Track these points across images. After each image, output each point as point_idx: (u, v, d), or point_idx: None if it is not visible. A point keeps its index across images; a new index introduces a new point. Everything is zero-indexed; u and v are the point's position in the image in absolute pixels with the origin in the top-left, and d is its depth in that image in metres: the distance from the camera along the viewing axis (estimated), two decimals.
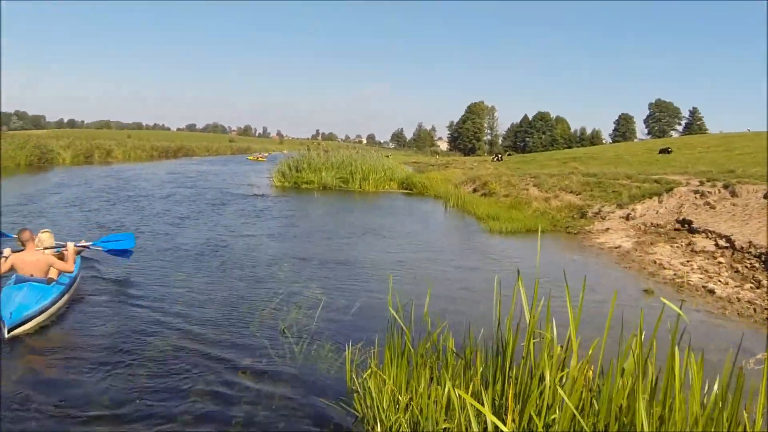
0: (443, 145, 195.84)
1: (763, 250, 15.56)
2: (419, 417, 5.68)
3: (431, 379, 6.28)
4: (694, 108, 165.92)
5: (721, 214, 20.01)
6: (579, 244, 20.37)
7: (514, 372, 5.38)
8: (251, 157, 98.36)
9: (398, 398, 6.16)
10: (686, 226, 20.13)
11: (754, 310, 12.51)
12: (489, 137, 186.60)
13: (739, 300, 13.17)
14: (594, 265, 16.94)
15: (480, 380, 5.74)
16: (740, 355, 5.20)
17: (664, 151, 58.70)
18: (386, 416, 6.06)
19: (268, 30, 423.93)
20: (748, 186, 21.28)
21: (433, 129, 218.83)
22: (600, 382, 5.34)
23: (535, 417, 4.67)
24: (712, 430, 4.48)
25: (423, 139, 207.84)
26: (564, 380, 4.86)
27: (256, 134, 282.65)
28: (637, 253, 18.34)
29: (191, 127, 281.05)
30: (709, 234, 18.49)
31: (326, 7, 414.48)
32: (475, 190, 36.55)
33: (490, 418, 4.22)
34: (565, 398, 4.45)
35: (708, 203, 21.21)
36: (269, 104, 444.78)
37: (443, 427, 5.35)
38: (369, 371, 7.18)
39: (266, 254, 16.49)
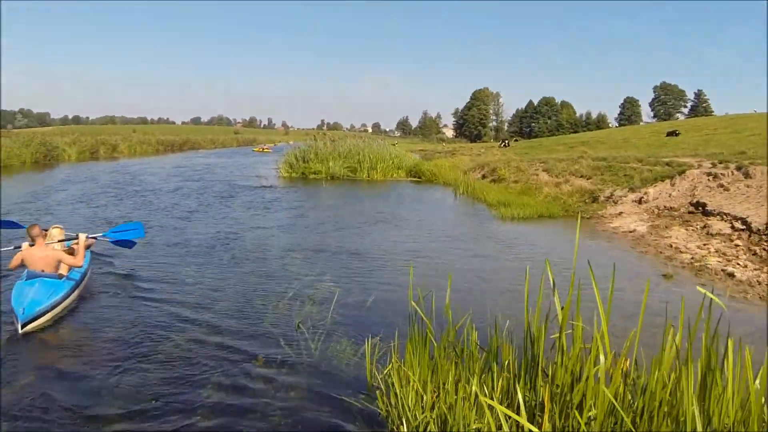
0: (449, 133, 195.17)
1: None
2: (447, 416, 5.42)
3: (457, 374, 6.00)
4: (699, 90, 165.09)
5: (736, 196, 19.70)
6: (592, 229, 20.08)
7: (550, 371, 5.08)
8: (256, 149, 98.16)
9: (423, 396, 5.90)
10: (700, 208, 19.84)
11: None
12: (495, 123, 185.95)
13: (759, 283, 12.88)
14: (609, 250, 16.68)
15: (510, 376, 5.49)
16: None
17: (672, 133, 58.21)
18: (412, 415, 5.80)
19: (271, 20, 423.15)
20: (762, 167, 20.94)
21: (439, 116, 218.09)
22: (635, 374, 5.11)
23: (578, 416, 4.43)
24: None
25: (428, 127, 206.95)
26: (600, 375, 4.60)
27: (261, 126, 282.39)
28: (652, 237, 18.07)
29: (196, 121, 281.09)
30: (725, 216, 18.21)
31: None
32: (484, 177, 36.24)
33: (527, 427, 3.96)
34: (610, 397, 4.20)
35: (721, 185, 20.90)
36: (274, 95, 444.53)
37: (475, 427, 5.08)
38: (390, 366, 6.97)
39: (277, 246, 16.30)
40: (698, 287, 4.80)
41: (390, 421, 6.20)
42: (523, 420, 3.97)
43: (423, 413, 5.71)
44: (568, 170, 29.77)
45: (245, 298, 11.18)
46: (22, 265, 10.43)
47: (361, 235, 18.73)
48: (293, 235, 18.45)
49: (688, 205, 20.67)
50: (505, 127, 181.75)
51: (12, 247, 11.46)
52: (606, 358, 4.50)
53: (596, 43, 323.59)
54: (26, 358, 8.24)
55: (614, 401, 4.20)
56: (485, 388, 5.41)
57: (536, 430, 3.97)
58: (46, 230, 11.52)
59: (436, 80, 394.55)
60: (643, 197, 22.78)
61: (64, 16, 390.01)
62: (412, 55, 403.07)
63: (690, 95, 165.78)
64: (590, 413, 4.50)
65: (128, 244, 13.34)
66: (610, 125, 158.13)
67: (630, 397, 4.69)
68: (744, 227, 16.81)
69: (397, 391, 6.16)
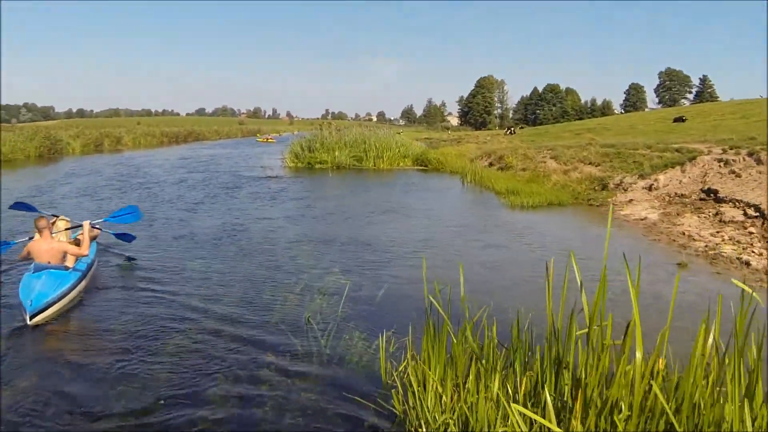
0: (453, 121, 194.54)
1: None
2: (469, 417, 5.16)
3: (478, 373, 5.72)
4: (704, 76, 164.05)
5: (748, 183, 19.41)
6: (603, 217, 19.82)
7: (584, 371, 4.81)
8: (260, 139, 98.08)
9: (442, 396, 5.62)
10: (712, 195, 19.57)
11: None
12: (499, 111, 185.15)
13: None
14: (621, 238, 16.41)
15: (534, 375, 5.23)
16: None
17: (679, 119, 57.80)
18: (432, 417, 5.52)
19: (274, 10, 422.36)
20: None
21: (443, 104, 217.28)
22: (664, 372, 4.86)
23: (618, 421, 4.18)
24: None
25: (433, 115, 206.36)
26: (635, 374, 4.34)
27: (266, 116, 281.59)
28: (664, 224, 17.83)
29: (200, 112, 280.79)
30: (737, 203, 17.93)
31: None
32: (491, 165, 35.96)
33: (555, 431, 3.72)
34: (662, 400, 3.95)
35: (733, 171, 20.60)
36: (277, 86, 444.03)
37: (500, 431, 4.83)
38: (404, 362, 6.76)
39: (285, 238, 16.09)
40: (734, 280, 4.53)
41: (408, 422, 5.90)
42: (552, 425, 3.74)
43: (443, 415, 5.46)
44: (577, 157, 29.49)
45: (253, 291, 10.99)
46: (29, 257, 10.55)
47: (370, 225, 18.53)
48: (301, 225, 18.24)
49: (699, 191, 20.39)
50: (510, 115, 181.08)
51: (27, 238, 11.50)
52: (642, 356, 4.25)
53: (601, 29, 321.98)
54: (32, 353, 8.22)
55: (665, 404, 3.93)
56: (508, 388, 5.15)
57: None
58: (56, 217, 12.04)
59: (440, 68, 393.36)
60: (653, 184, 22.51)
61: (66, 8, 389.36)
62: (416, 44, 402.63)
63: (695, 81, 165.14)
64: (622, 415, 4.27)
65: (127, 237, 13.70)
66: (615, 112, 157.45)
67: (665, 398, 4.43)
68: (757, 214, 16.54)
69: (415, 390, 5.88)
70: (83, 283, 10.90)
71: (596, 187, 24.48)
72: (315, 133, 43.94)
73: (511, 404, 4.10)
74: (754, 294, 4.16)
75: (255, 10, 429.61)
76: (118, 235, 13.74)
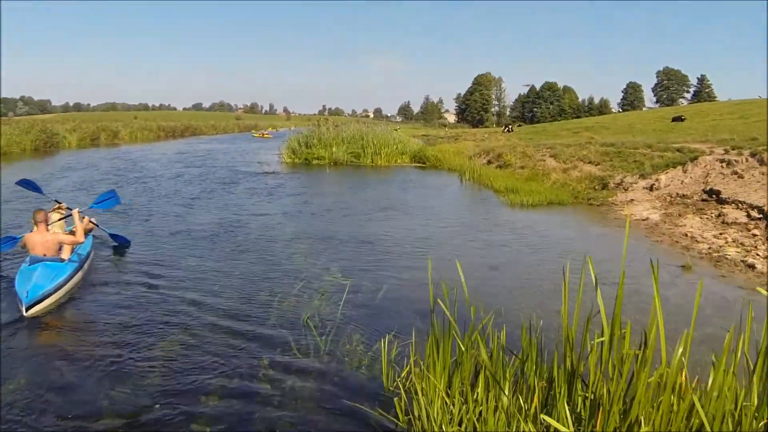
0: (451, 118, 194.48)
1: None
2: (478, 430, 4.92)
3: (487, 382, 5.46)
4: (702, 75, 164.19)
5: (751, 184, 19.23)
6: (603, 217, 19.67)
7: (597, 387, 4.58)
8: (256, 134, 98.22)
9: (450, 406, 5.34)
10: (714, 196, 19.39)
11: None
12: (497, 109, 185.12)
13: None
14: (622, 238, 16.17)
15: (546, 385, 4.99)
16: None
17: (677, 119, 57.71)
18: (439, 428, 5.25)
19: (270, 5, 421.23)
20: None
21: (441, 101, 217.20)
22: (681, 380, 4.64)
23: None
24: None
25: (430, 112, 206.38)
26: (667, 386, 4.13)
27: (263, 111, 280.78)
28: (666, 225, 17.62)
29: (197, 107, 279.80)
30: (740, 204, 17.75)
31: None
32: (489, 162, 35.78)
33: None
34: (702, 414, 3.73)
35: (735, 172, 20.42)
36: (274, 81, 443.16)
37: None
38: (407, 368, 6.54)
39: (283, 234, 15.86)
40: (759, 288, 4.31)
41: None
42: None
43: (451, 426, 5.19)
44: (576, 156, 29.35)
45: (250, 290, 10.73)
46: (25, 250, 10.78)
47: (369, 222, 18.29)
48: (299, 222, 17.99)
49: (701, 192, 20.22)
50: (507, 113, 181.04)
51: (29, 232, 11.48)
52: (669, 369, 4.04)
53: (598, 28, 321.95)
54: (27, 347, 8.13)
55: (706, 423, 3.70)
56: (520, 399, 4.92)
57: None
58: (58, 203, 12.66)
59: (437, 65, 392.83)
60: (654, 184, 22.34)
61: (65, 6, 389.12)
62: (414, 41, 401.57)
63: (693, 80, 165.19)
64: (644, 429, 4.06)
65: (121, 239, 14.11)
66: (612, 110, 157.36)
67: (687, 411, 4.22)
68: (761, 216, 16.37)
69: (420, 399, 5.59)
70: (79, 275, 10.95)
71: (596, 187, 24.30)
72: (312, 128, 43.76)
73: (526, 420, 3.86)
74: None
75: (255, 8, 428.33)
76: (114, 236, 14.05)
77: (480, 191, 26.72)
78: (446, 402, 5.35)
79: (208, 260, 12.91)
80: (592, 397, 4.50)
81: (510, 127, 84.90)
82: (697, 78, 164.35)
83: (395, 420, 5.95)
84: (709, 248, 14.73)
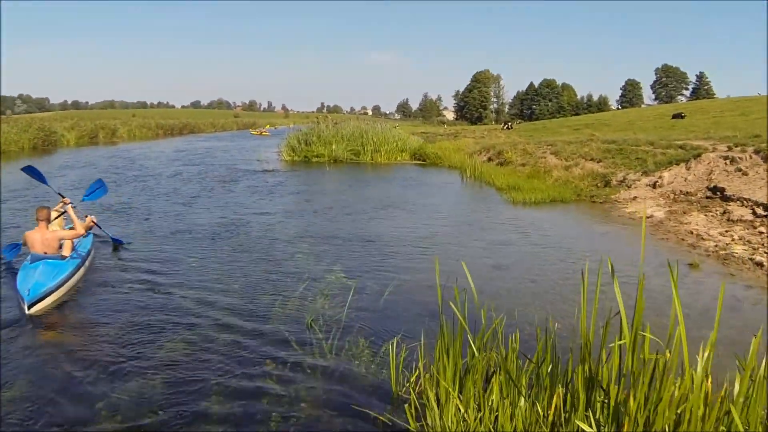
0: (449, 115, 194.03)
1: None
2: None
3: (501, 388, 5.25)
4: (701, 72, 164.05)
5: (755, 181, 19.05)
6: (607, 215, 19.50)
7: (617, 393, 4.38)
8: (254, 132, 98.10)
9: (464, 413, 5.12)
10: (718, 193, 19.23)
11: None
12: (495, 106, 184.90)
13: None
14: (628, 237, 16.09)
15: (564, 391, 4.78)
16: None
17: (678, 116, 57.57)
18: None
19: (272, 5, 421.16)
20: None
21: (439, 99, 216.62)
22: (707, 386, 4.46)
23: None
24: None
25: (429, 109, 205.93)
26: (700, 394, 3.94)
27: (261, 109, 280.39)
28: (671, 223, 17.44)
29: (196, 104, 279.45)
30: (745, 202, 17.60)
31: None
32: (490, 160, 35.56)
33: None
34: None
35: (740, 169, 20.25)
36: (273, 78, 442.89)
37: None
38: (416, 373, 6.35)
39: (284, 234, 15.66)
40: None
41: None
42: None
43: None
44: (578, 153, 29.15)
45: (252, 291, 10.54)
46: (26, 248, 10.89)
47: (371, 221, 18.09)
48: (300, 221, 17.80)
49: (705, 189, 20.06)
50: (506, 110, 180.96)
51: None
52: (694, 376, 3.86)
53: (596, 25, 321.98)
54: (28, 348, 7.99)
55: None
56: (537, 407, 4.72)
57: None
58: (62, 198, 12.55)
59: (436, 62, 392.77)
60: (657, 181, 22.17)
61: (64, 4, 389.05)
62: (412, 38, 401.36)
63: (692, 77, 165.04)
64: None
65: (119, 241, 14.00)
66: (611, 108, 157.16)
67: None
68: (766, 213, 16.21)
69: (433, 405, 5.39)
70: (80, 273, 11.00)
71: (599, 184, 24.13)
72: (312, 126, 43.56)
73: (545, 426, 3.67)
74: None
75: (253, 6, 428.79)
76: (115, 240, 14.00)
77: (481, 189, 26.56)
78: (459, 408, 5.15)
79: (209, 260, 12.75)
80: (613, 404, 4.31)
81: (509, 124, 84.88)
82: (696, 75, 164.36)
83: (406, 426, 5.71)
84: (716, 246, 14.56)
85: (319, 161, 38.88)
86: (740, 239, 14.93)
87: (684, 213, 18.35)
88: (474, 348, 5.66)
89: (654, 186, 22.00)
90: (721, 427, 4.00)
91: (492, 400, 5.03)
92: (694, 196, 20.04)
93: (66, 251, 10.92)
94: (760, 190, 17.98)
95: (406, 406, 5.90)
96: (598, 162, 26.91)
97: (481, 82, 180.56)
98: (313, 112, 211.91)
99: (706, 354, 4.16)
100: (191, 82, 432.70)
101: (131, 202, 20.47)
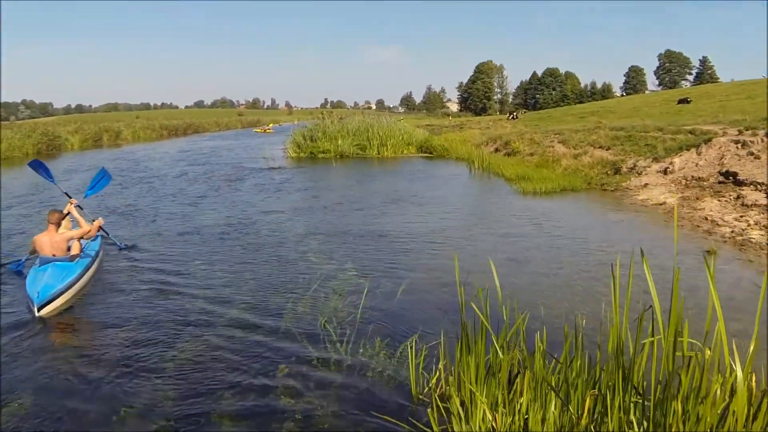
0: (453, 107, 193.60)
1: None
2: None
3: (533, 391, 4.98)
4: (704, 57, 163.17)
5: None
6: (619, 202, 19.26)
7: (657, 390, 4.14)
8: (258, 130, 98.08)
9: (491, 419, 4.83)
10: (731, 178, 18.95)
11: None
12: (499, 96, 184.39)
13: None
14: (641, 224, 15.84)
15: (597, 393, 4.52)
16: None
17: (684, 101, 57.05)
18: None
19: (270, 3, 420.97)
20: None
21: (443, 91, 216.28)
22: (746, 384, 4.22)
23: None
24: None
25: (433, 102, 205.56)
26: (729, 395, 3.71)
27: (265, 107, 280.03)
28: (684, 209, 17.17)
29: (199, 104, 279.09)
30: (758, 186, 17.33)
31: None
32: (497, 150, 35.33)
33: None
34: None
35: (752, 153, 19.96)
36: (276, 76, 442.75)
37: None
38: (436, 375, 6.13)
39: (294, 231, 15.45)
40: None
41: None
42: None
43: None
44: (586, 141, 28.91)
45: (263, 291, 10.32)
46: (35, 251, 10.82)
47: (381, 216, 17.87)
48: (309, 218, 17.57)
49: (717, 174, 19.78)
50: (510, 100, 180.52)
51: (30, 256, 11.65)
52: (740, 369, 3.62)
53: (599, 13, 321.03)
54: (39, 352, 7.91)
55: None
56: (570, 410, 4.47)
57: None
58: (70, 198, 12.61)
59: (438, 55, 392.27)
60: (668, 167, 21.89)
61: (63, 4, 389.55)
62: (414, 30, 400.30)
63: (695, 62, 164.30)
64: None
65: (118, 243, 13.78)
66: (615, 95, 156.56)
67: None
68: None
69: (457, 409, 5.12)
70: (89, 274, 11.02)
71: (609, 172, 23.86)
72: (317, 122, 43.37)
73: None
74: None
75: (253, 3, 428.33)
76: (121, 247, 13.77)
77: (491, 180, 26.35)
78: (487, 413, 4.88)
79: (219, 260, 12.57)
80: (649, 405, 4.07)
81: (515, 114, 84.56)
82: (699, 60, 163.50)
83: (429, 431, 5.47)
84: (732, 232, 14.31)
85: (325, 157, 38.56)
86: (756, 224, 14.68)
87: (697, 199, 18.09)
88: (497, 347, 5.41)
89: (665, 172, 21.73)
90: None
91: (520, 403, 4.77)
92: (706, 181, 19.77)
93: (75, 249, 11.03)
94: None
95: (428, 410, 5.65)
96: (607, 149, 26.66)
97: (484, 73, 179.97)
98: (316, 108, 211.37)
99: (751, 348, 3.91)
100: (192, 82, 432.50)
101: (137, 204, 20.31)
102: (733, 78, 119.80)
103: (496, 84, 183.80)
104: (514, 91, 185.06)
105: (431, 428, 5.40)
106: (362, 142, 39.94)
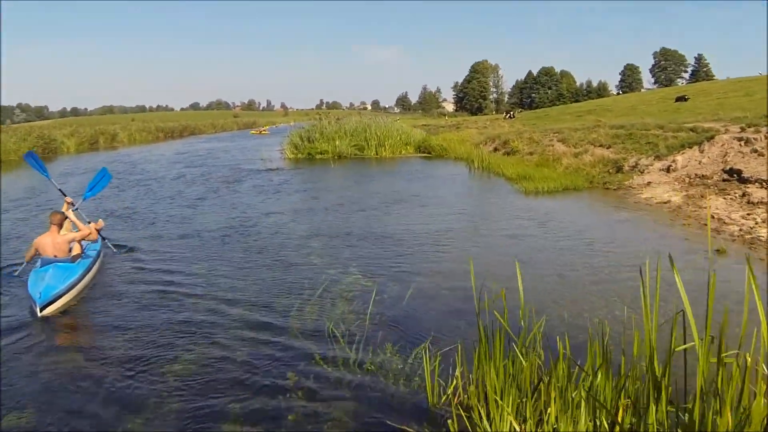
0: (449, 107, 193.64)
1: None
2: None
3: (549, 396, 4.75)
4: (699, 55, 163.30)
5: None
6: (622, 201, 19.09)
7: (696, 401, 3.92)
8: (254, 131, 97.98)
9: (518, 430, 4.57)
10: (735, 175, 18.76)
11: None
12: (495, 96, 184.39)
13: None
14: (647, 223, 15.67)
15: (629, 403, 4.29)
16: None
17: (681, 98, 56.91)
18: None
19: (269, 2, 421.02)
20: None
21: (438, 91, 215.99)
22: None
23: None
24: None
25: (429, 102, 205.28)
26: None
27: (260, 108, 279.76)
28: (690, 207, 17.01)
29: (195, 106, 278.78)
30: (763, 183, 17.14)
31: None
32: (496, 150, 35.19)
33: None
34: None
35: (755, 150, 19.77)
36: (271, 77, 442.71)
37: None
38: (454, 383, 5.91)
39: (295, 234, 15.24)
40: None
41: None
42: None
43: None
44: (586, 140, 28.74)
45: (266, 296, 10.08)
46: (37, 254, 10.82)
47: (383, 217, 17.66)
48: (310, 220, 17.37)
49: (720, 172, 19.59)
50: (506, 99, 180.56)
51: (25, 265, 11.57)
52: None
53: (592, 11, 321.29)
54: (41, 353, 7.88)
55: None
56: (603, 421, 4.25)
57: None
58: (66, 197, 12.82)
59: (433, 55, 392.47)
60: (671, 165, 21.71)
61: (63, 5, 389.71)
62: (414, 30, 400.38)
63: (690, 60, 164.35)
64: None
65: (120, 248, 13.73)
66: (611, 93, 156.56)
67: None
68: None
69: (483, 421, 4.87)
70: (90, 275, 11.08)
71: (611, 170, 23.72)
72: (314, 123, 43.22)
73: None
74: None
75: (249, 4, 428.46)
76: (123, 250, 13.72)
77: (490, 179, 26.20)
78: (515, 426, 4.62)
79: (220, 263, 12.37)
80: (698, 418, 3.86)
81: (512, 113, 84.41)
82: (695, 57, 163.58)
83: None
84: (740, 230, 14.14)
85: (323, 158, 38.38)
86: (764, 222, 14.50)
87: (701, 197, 17.92)
88: (518, 353, 5.19)
89: (668, 170, 21.55)
90: None
91: (548, 413, 4.53)
92: (710, 179, 19.59)
93: (76, 250, 11.06)
94: None
95: (448, 421, 5.43)
96: (608, 148, 26.49)
97: (479, 72, 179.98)
98: (312, 109, 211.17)
99: None
100: (190, 82, 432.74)
101: (135, 207, 20.11)
102: (728, 75, 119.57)
103: (491, 83, 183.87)
104: (509, 90, 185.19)
105: None
106: (360, 142, 39.80)
